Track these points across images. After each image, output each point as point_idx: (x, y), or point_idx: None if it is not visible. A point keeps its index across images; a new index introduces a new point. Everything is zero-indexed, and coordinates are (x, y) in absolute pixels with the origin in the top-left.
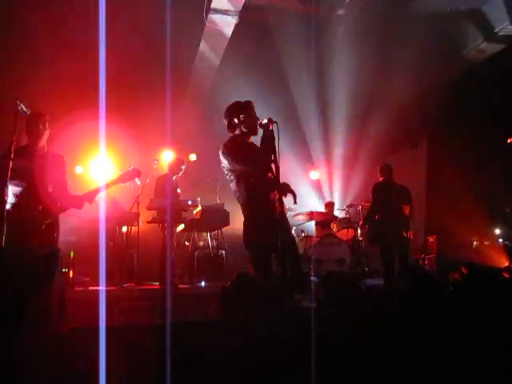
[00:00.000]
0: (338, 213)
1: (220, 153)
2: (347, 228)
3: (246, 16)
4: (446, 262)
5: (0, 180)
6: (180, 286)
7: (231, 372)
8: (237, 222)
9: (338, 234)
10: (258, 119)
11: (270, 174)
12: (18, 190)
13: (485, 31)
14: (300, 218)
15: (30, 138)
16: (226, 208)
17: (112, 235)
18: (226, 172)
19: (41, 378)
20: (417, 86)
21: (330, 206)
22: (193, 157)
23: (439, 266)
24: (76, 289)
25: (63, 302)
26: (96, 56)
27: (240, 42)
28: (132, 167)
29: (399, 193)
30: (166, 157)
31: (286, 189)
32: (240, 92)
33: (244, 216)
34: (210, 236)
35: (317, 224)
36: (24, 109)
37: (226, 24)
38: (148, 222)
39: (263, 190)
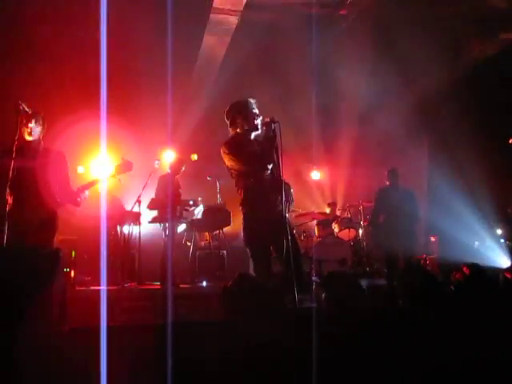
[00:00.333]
0: (340, 213)
1: (221, 151)
2: (349, 228)
3: (248, 15)
4: (447, 263)
5: (1, 179)
6: (181, 285)
7: (232, 372)
8: (238, 221)
9: (340, 234)
10: (258, 116)
11: (271, 174)
12: (19, 188)
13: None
14: (302, 218)
15: (29, 136)
16: (227, 208)
17: (113, 235)
18: (228, 170)
19: (41, 377)
20: (418, 86)
21: (331, 206)
22: (194, 157)
23: (441, 266)
24: (77, 288)
25: (64, 302)
26: (97, 56)
27: (242, 41)
28: (124, 160)
29: (404, 196)
30: (168, 157)
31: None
32: (241, 91)
33: (243, 215)
34: (212, 236)
35: (318, 224)
36: (26, 108)
37: (228, 23)
38: (149, 222)
39: (262, 190)
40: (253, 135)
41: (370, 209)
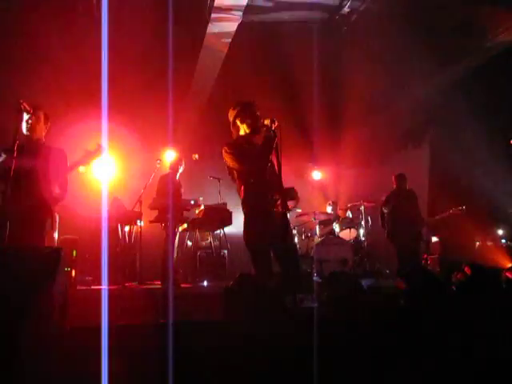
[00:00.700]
0: (341, 213)
1: (223, 151)
2: (350, 228)
3: (249, 15)
4: (449, 263)
5: (2, 179)
6: (182, 285)
7: (233, 372)
8: (239, 221)
9: (341, 234)
10: (260, 119)
11: (271, 175)
12: (18, 186)
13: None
14: (303, 217)
15: (28, 132)
16: (228, 208)
17: (114, 234)
18: (228, 170)
19: (42, 377)
20: (420, 86)
21: (332, 205)
22: (195, 156)
23: (442, 266)
24: (78, 288)
25: (65, 301)
26: (98, 55)
27: (243, 41)
28: (97, 145)
29: (409, 198)
30: (169, 156)
31: (289, 194)
32: (243, 91)
33: (244, 215)
34: (213, 236)
35: (319, 224)
36: (27, 107)
37: (230, 23)
38: (150, 222)
39: (262, 190)
40: (255, 137)
41: (370, 209)
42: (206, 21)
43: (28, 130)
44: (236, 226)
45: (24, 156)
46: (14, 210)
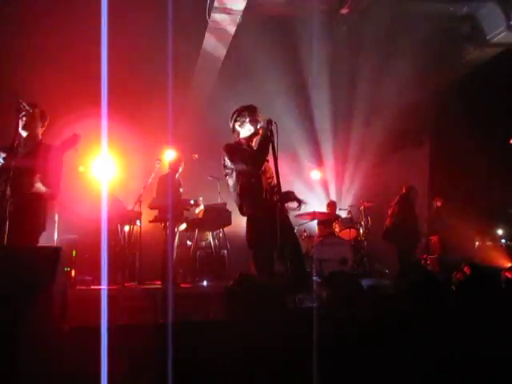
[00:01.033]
0: (341, 212)
1: (223, 151)
2: (349, 228)
3: (249, 15)
4: (448, 263)
5: (2, 179)
6: (182, 285)
7: (233, 372)
8: (239, 221)
9: (341, 234)
10: (260, 122)
11: (269, 176)
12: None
13: (484, 33)
14: (302, 217)
15: (23, 130)
16: (228, 208)
17: (114, 234)
18: (226, 171)
19: (42, 377)
20: (420, 86)
21: (332, 205)
22: (195, 156)
23: (442, 266)
24: (78, 288)
25: (65, 301)
26: (98, 55)
27: (243, 41)
28: (73, 133)
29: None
30: (168, 156)
31: (289, 197)
32: (242, 92)
33: (246, 216)
34: (212, 235)
35: (319, 224)
36: (27, 107)
37: (230, 23)
38: (150, 222)
39: (262, 191)
40: (254, 141)
41: (370, 209)
42: (206, 20)
43: (23, 127)
44: (236, 225)
45: (21, 154)
46: (12, 208)
